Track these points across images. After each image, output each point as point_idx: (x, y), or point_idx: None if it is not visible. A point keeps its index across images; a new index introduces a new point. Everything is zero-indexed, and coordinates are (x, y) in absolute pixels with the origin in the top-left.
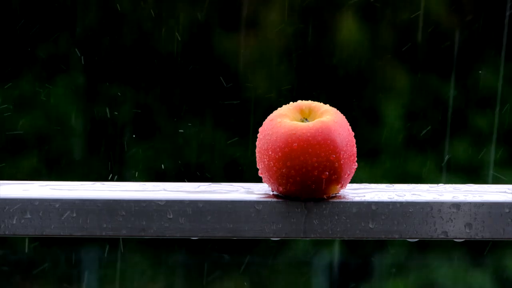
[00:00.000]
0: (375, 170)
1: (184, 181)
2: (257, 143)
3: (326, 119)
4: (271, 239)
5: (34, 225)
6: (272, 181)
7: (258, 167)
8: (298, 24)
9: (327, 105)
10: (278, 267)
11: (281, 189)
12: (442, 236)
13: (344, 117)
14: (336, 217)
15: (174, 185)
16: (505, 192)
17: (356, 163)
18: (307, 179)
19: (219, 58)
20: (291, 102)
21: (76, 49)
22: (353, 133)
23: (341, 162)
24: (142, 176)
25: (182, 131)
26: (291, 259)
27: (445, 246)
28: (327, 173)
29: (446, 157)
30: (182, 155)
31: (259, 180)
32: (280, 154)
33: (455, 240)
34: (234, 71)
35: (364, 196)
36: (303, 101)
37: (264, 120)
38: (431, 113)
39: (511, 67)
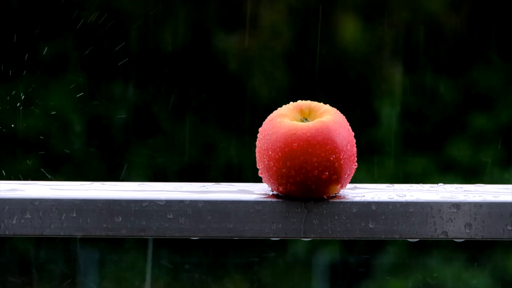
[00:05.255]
0: (375, 170)
1: (184, 181)
2: (257, 143)
3: (326, 119)
4: (271, 239)
5: (34, 225)
6: (272, 181)
7: (258, 167)
8: (298, 24)
9: (327, 105)
10: (278, 267)
11: (281, 189)
12: (442, 236)
13: (344, 117)
14: (336, 217)
15: (174, 185)
16: (505, 192)
17: (356, 163)
18: (307, 179)
19: (219, 58)
20: (291, 102)
21: (76, 49)
22: (353, 133)
23: (341, 162)
24: (142, 176)
25: (182, 131)
26: (291, 259)
27: (445, 246)
28: (327, 173)
29: (446, 157)
30: (182, 155)
31: (259, 180)
32: (280, 154)
33: (455, 240)
34: (234, 71)
35: (364, 196)
36: (303, 101)
37: (264, 120)
38: (431, 113)
39: (511, 66)
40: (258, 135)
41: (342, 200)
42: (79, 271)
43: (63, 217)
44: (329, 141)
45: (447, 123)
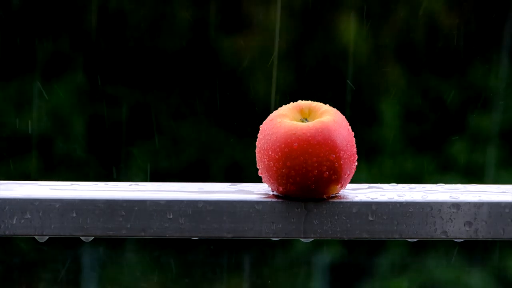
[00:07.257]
0: (375, 170)
1: (184, 181)
2: (257, 143)
3: (326, 119)
4: (271, 239)
5: (34, 225)
6: (272, 181)
7: (258, 167)
8: (298, 24)
9: (327, 105)
10: (278, 267)
11: (281, 189)
12: (442, 236)
13: (344, 117)
14: (336, 217)
15: (174, 185)
16: (505, 192)
17: (356, 163)
18: (307, 179)
19: (219, 58)
20: (291, 102)
21: (77, 49)
22: (353, 133)
23: (341, 162)
24: (142, 176)
25: (182, 131)
26: (291, 259)
27: (445, 246)
28: (327, 173)
29: (446, 157)
30: (182, 155)
31: (259, 180)
32: (280, 154)
33: (455, 240)
34: (234, 71)
35: (364, 196)
36: (303, 101)
37: (264, 120)
38: (430, 112)
39: (511, 66)
40: (258, 135)
41: (342, 200)
42: (79, 271)
43: (63, 217)
44: (329, 141)
45: (447, 123)
